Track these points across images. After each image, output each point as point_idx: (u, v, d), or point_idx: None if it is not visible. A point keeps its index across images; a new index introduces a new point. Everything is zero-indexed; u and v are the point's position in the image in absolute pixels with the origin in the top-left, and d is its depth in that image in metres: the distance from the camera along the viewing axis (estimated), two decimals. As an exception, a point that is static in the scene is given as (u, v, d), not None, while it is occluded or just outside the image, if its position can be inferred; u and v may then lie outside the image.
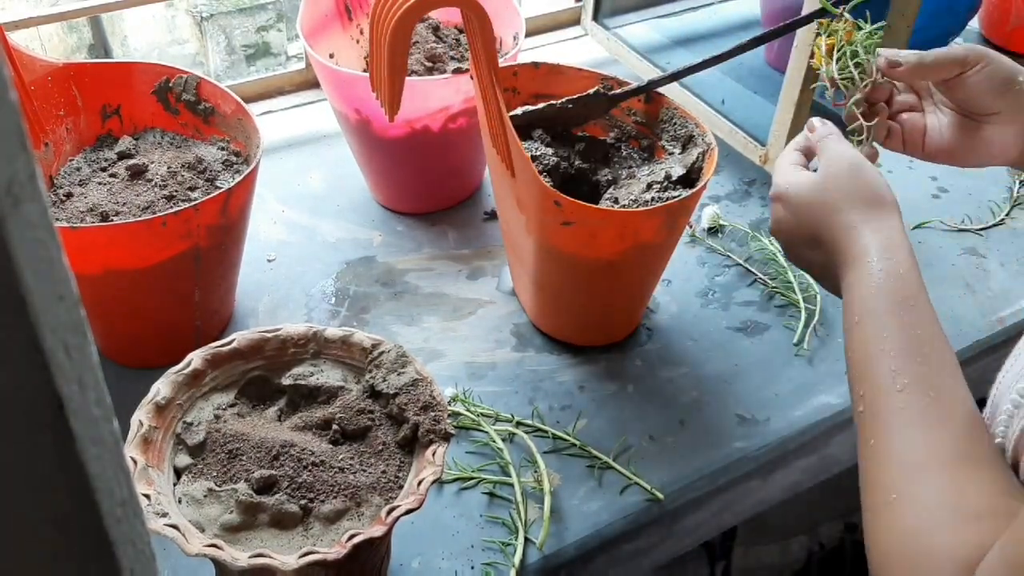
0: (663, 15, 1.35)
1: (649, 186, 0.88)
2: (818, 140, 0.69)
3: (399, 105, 0.78)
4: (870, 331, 0.57)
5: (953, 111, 0.72)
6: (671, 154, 0.93)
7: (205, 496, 0.62)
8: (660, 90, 0.93)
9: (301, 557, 0.57)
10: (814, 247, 0.66)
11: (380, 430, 0.68)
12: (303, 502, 0.62)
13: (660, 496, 0.80)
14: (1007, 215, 1.15)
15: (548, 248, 0.86)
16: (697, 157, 0.89)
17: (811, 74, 0.97)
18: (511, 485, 0.80)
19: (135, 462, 0.61)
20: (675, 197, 0.84)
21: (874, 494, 0.53)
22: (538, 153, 0.90)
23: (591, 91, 0.92)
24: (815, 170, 0.67)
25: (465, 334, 0.96)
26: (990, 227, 1.13)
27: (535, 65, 0.95)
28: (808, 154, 0.71)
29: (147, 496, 0.59)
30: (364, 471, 0.65)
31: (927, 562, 0.48)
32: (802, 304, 1.00)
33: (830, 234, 0.63)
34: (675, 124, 0.93)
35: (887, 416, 0.53)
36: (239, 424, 0.67)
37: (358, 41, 1.14)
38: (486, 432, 0.84)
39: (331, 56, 1.09)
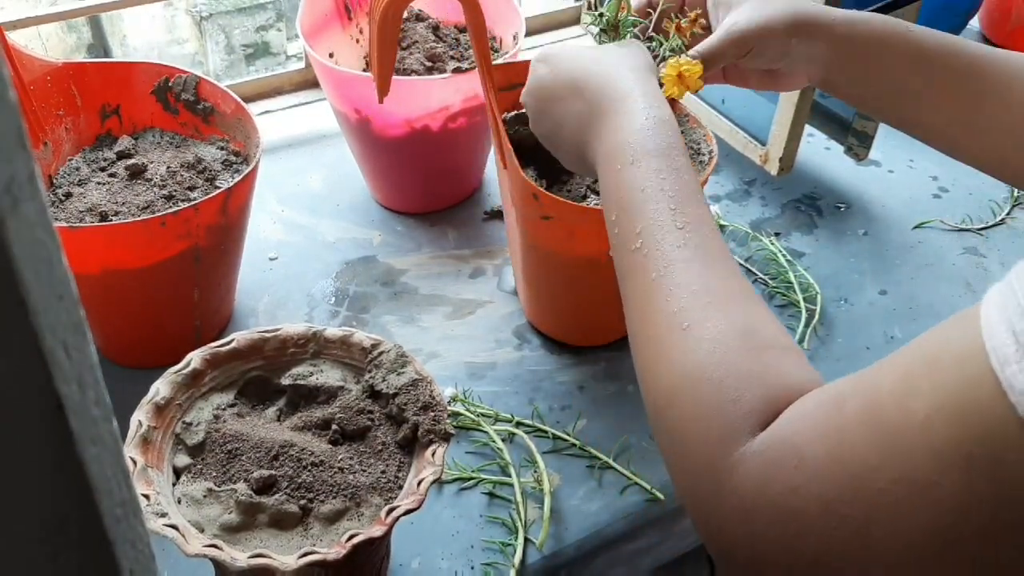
0: (663, 15, 1.35)
1: None
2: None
3: (388, 88, 0.80)
4: (647, 170, 0.58)
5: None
6: None
7: (204, 496, 0.62)
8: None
9: (301, 557, 0.57)
10: (574, 96, 0.67)
11: (380, 430, 0.68)
12: (303, 502, 0.62)
13: (660, 496, 0.80)
14: (1007, 215, 1.15)
15: (532, 244, 0.86)
16: (698, 165, 0.89)
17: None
18: (511, 485, 0.80)
19: (134, 462, 0.61)
20: None
21: (659, 325, 0.52)
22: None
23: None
24: None
25: (465, 334, 0.96)
26: (990, 227, 1.13)
27: None
28: None
29: (146, 496, 0.59)
30: (364, 471, 0.65)
31: (733, 383, 0.47)
32: (802, 304, 1.00)
33: (597, 78, 0.66)
34: (684, 131, 0.93)
35: (670, 251, 0.54)
36: (238, 424, 0.67)
37: (358, 41, 1.14)
38: (486, 432, 0.84)
39: (331, 56, 1.09)
